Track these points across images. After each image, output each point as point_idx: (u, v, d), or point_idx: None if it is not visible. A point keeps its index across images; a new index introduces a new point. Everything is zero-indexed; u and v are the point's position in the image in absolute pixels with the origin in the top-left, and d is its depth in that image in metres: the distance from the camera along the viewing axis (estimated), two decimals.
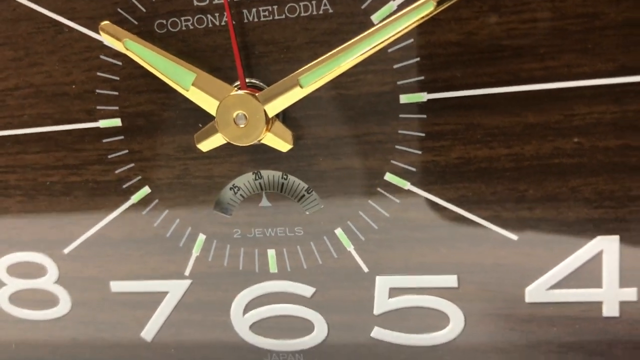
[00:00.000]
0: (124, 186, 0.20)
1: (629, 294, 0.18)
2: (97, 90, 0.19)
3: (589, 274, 0.18)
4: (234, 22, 0.17)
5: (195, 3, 0.18)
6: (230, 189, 0.19)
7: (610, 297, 0.18)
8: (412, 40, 0.17)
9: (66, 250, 0.21)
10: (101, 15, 0.19)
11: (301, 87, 0.17)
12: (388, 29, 0.16)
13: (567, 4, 0.16)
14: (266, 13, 0.17)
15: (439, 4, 0.15)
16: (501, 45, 0.16)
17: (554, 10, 0.16)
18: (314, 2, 0.17)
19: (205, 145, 0.18)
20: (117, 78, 0.19)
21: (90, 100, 0.19)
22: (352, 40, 0.16)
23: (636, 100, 0.16)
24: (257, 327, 0.21)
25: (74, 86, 0.19)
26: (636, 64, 0.16)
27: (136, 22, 0.18)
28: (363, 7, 0.17)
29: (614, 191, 0.17)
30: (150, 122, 0.19)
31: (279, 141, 0.17)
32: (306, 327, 0.20)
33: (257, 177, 0.19)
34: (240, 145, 0.17)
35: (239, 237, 0.20)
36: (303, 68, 0.17)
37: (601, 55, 0.16)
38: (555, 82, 0.16)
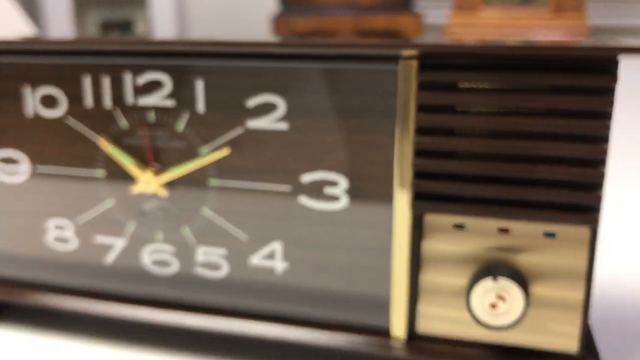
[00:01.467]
0: None
1: None
2: None
3: None
4: None
5: None
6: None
7: None
8: None
9: None
10: None
11: (170, 174, 0.45)
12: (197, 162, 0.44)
13: None
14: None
15: None
16: None
17: None
18: None
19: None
20: None
21: None
22: (191, 162, 0.44)
23: None
24: None
25: None
26: None
27: None
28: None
29: None
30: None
31: (163, 191, 0.45)
32: (170, 263, 0.44)
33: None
34: (147, 192, 0.44)
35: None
36: (173, 167, 0.45)
37: None
38: None
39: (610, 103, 0.35)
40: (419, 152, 0.38)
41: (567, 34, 2.39)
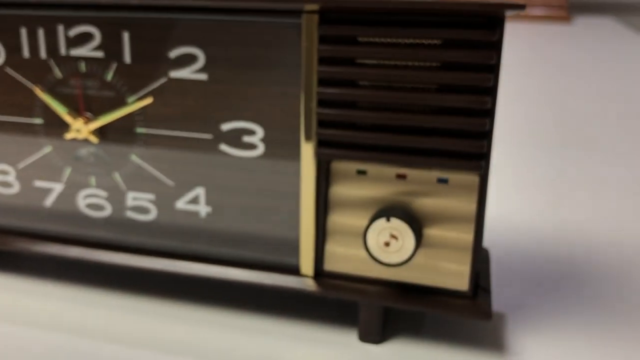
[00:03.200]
0: None
1: None
2: None
3: None
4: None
5: None
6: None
7: None
8: None
9: None
10: None
11: (99, 121, 0.48)
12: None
13: None
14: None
15: None
16: None
17: None
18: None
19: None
20: None
21: None
22: (118, 110, 0.47)
23: None
24: None
25: None
26: None
27: None
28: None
29: None
30: None
31: (93, 138, 0.48)
32: (103, 207, 0.49)
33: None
34: (79, 138, 0.49)
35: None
36: (102, 115, 0.48)
37: None
38: None
39: (494, 56, 0.38)
40: (322, 102, 0.41)
41: None
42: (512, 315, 0.48)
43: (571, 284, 0.54)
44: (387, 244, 0.41)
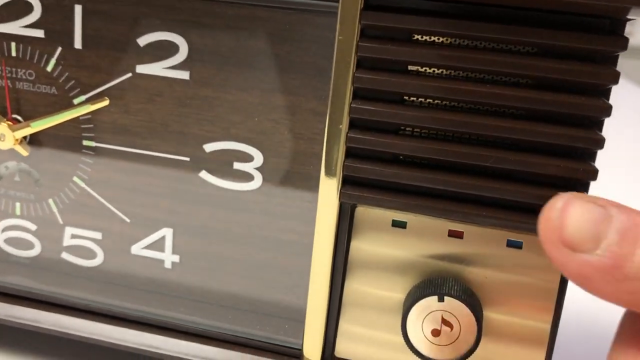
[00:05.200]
0: None
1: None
2: None
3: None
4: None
5: None
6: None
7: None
8: None
9: None
10: None
11: (31, 127, 0.33)
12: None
13: None
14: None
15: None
16: None
17: None
18: None
19: None
20: None
21: None
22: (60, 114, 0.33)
23: None
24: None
25: None
26: None
27: None
28: None
29: None
30: None
31: (22, 149, 0.34)
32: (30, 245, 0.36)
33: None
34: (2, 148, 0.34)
35: None
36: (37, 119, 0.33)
37: None
38: None
39: (615, 76, 0.26)
40: (355, 123, 0.29)
41: None
42: None
43: None
44: (436, 334, 0.28)
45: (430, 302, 0.28)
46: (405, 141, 0.28)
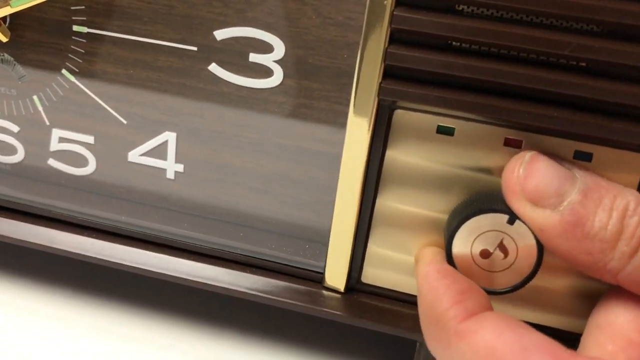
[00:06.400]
0: None
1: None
2: None
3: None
4: None
5: None
6: None
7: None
8: None
9: None
10: None
11: (11, 6, 0.28)
12: None
13: None
14: None
15: None
16: None
17: None
18: None
19: None
20: None
21: None
22: None
23: None
24: None
25: None
26: None
27: None
28: None
29: None
30: None
31: (1, 35, 0.29)
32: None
33: None
34: None
35: None
36: None
37: None
38: None
39: None
40: (403, 0, 0.24)
41: None
42: None
43: None
44: (486, 255, 0.24)
45: (495, 220, 0.24)
46: (462, 21, 0.23)
